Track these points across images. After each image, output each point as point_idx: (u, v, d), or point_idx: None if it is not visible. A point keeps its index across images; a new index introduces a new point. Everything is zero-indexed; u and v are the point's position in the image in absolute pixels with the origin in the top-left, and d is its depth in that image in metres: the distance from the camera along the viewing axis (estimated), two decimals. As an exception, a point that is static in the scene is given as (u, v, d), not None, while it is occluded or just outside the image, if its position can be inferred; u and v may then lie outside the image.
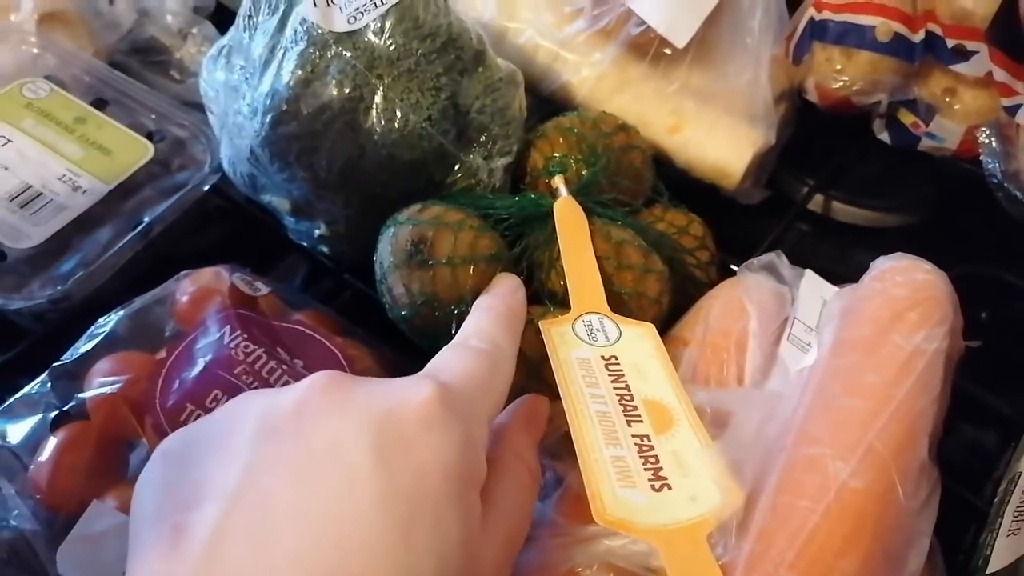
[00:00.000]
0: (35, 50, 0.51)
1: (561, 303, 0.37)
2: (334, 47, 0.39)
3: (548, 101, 0.53)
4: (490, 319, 0.31)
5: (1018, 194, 0.50)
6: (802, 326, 0.38)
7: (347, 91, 0.39)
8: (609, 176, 0.44)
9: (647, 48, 0.50)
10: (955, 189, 0.55)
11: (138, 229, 0.44)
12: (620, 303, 0.37)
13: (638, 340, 0.34)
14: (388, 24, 0.39)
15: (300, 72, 0.39)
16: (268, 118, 0.39)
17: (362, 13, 0.39)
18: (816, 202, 0.56)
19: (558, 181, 0.42)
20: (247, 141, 0.41)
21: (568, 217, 0.39)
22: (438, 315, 0.35)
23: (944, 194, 0.56)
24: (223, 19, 0.61)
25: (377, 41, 0.39)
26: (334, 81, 0.39)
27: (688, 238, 0.45)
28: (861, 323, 0.34)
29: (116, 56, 0.59)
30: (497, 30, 0.53)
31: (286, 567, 0.22)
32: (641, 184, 0.46)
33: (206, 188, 0.47)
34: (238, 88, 0.41)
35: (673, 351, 0.37)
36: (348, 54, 0.39)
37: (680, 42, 0.47)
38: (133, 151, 0.47)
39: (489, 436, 0.27)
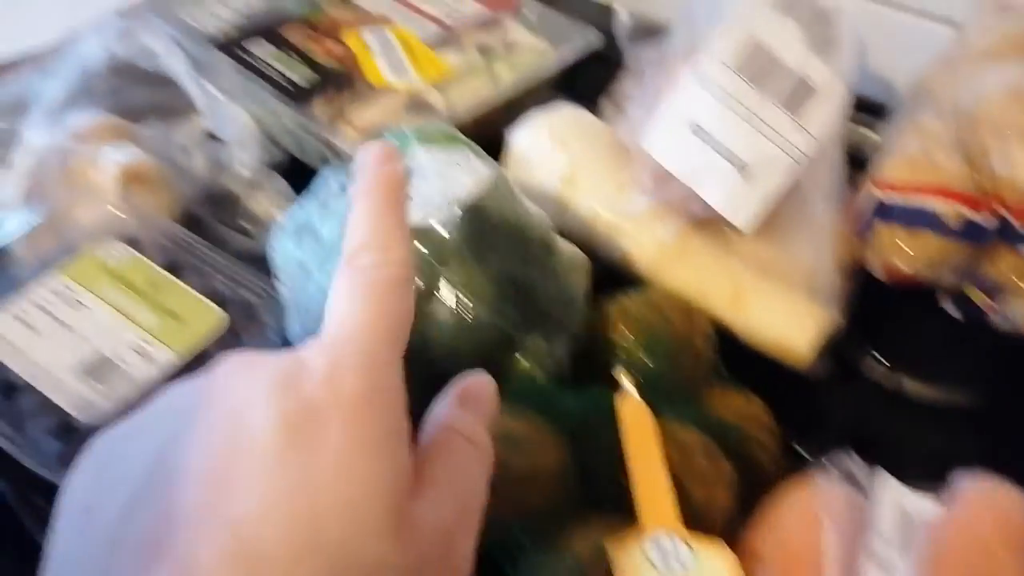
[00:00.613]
0: (114, 211, 0.52)
1: (627, 511, 0.36)
2: (408, 240, 0.40)
3: (608, 269, 0.53)
4: (373, 215, 0.27)
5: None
6: (881, 540, 0.37)
7: (421, 283, 0.39)
8: (673, 364, 0.43)
9: (710, 223, 0.50)
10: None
11: (205, 402, 0.44)
12: (688, 514, 0.36)
13: (713, 566, 0.33)
14: (459, 218, 0.40)
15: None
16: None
17: (434, 208, 0.40)
18: (882, 373, 0.55)
19: (623, 377, 0.41)
20: (317, 324, 0.41)
21: (635, 419, 0.39)
22: (497, 534, 0.34)
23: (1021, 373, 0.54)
24: (295, 171, 0.63)
25: (448, 235, 0.40)
26: (407, 275, 0.39)
27: (752, 424, 0.44)
28: (949, 563, 0.32)
29: (191, 206, 0.61)
30: (558, 199, 0.54)
31: (183, 539, 0.21)
32: (705, 370, 0.45)
33: (273, 357, 0.47)
34: (309, 269, 0.42)
35: (747, 567, 0.35)
36: (419, 247, 0.39)
37: (745, 227, 0.47)
38: (206, 319, 0.47)
39: (426, 421, 0.27)
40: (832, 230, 0.49)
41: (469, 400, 0.30)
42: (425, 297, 0.39)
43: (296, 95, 0.55)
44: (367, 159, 0.29)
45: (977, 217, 0.49)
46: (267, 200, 0.63)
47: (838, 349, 0.54)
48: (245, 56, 0.57)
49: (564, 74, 0.73)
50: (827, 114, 0.45)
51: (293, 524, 0.22)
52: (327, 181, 0.43)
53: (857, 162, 0.61)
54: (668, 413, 0.41)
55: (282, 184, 0.62)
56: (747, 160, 0.46)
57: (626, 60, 0.66)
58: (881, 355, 0.55)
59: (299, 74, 0.56)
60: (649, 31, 0.69)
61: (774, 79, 0.45)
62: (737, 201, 0.47)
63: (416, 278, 0.39)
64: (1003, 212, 0.49)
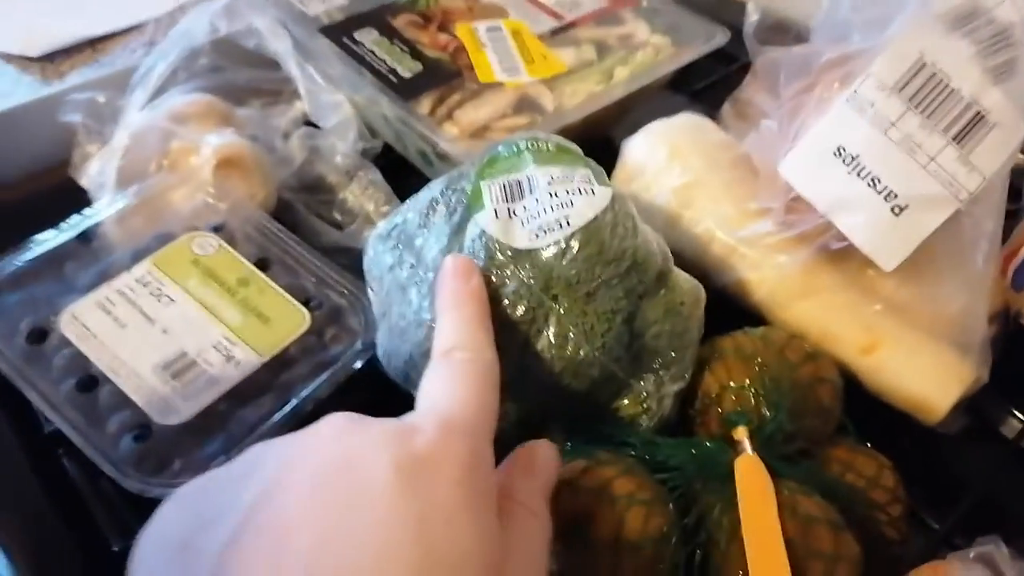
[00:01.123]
0: (209, 199, 0.51)
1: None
2: (512, 264, 0.36)
3: (720, 297, 0.48)
4: (464, 323, 0.32)
5: None
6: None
7: (520, 313, 0.36)
8: (794, 418, 0.38)
9: (845, 257, 0.45)
10: None
11: (286, 408, 0.42)
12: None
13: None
14: (572, 246, 0.36)
15: (474, 286, 0.36)
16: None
17: (545, 232, 0.36)
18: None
19: (741, 434, 0.36)
20: (409, 347, 0.38)
21: (752, 482, 0.34)
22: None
23: None
24: (390, 162, 0.60)
25: (558, 263, 0.36)
26: (507, 301, 0.36)
27: (879, 491, 0.39)
28: None
29: (284, 192, 0.59)
30: (671, 215, 0.50)
31: (296, 570, 0.22)
32: (828, 424, 0.41)
33: (358, 365, 0.44)
34: (406, 288, 0.39)
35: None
36: (525, 274, 0.36)
37: (889, 265, 0.42)
38: (291, 320, 0.45)
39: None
40: (990, 276, 0.43)
41: (530, 468, 0.30)
42: (529, 328, 0.36)
43: (400, 87, 0.52)
44: (449, 271, 0.34)
45: None
46: (361, 191, 0.60)
47: (976, 405, 0.48)
48: (349, 43, 0.54)
49: (684, 70, 0.68)
50: (1000, 150, 0.39)
51: (407, 571, 0.22)
52: (432, 194, 0.40)
53: (1012, 190, 0.54)
54: (787, 475, 0.36)
55: (377, 176, 0.60)
56: (900, 194, 0.40)
57: (753, 62, 0.61)
58: (1023, 414, 0.48)
59: (405, 66, 0.53)
60: (782, 29, 0.64)
61: (943, 107, 0.39)
62: (883, 238, 0.41)
63: (521, 304, 0.36)
64: None
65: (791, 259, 0.46)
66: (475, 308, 0.33)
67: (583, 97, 0.55)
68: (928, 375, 0.43)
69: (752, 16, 0.63)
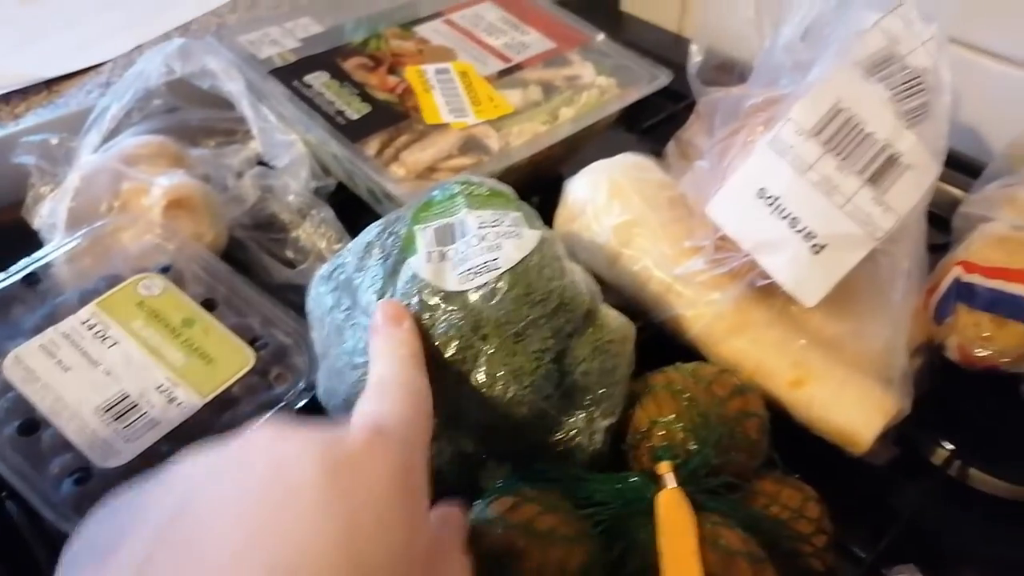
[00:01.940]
0: (158, 240, 0.51)
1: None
2: (443, 306, 0.37)
3: (656, 334, 0.50)
4: (397, 362, 0.33)
5: None
6: None
7: (452, 353, 0.37)
8: (720, 451, 0.39)
9: (775, 295, 0.46)
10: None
11: (226, 448, 0.42)
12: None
13: None
14: (500, 288, 0.37)
15: (405, 329, 0.37)
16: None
17: (474, 274, 0.37)
18: (952, 466, 0.50)
19: (665, 468, 0.38)
20: (345, 387, 0.39)
21: (673, 516, 0.35)
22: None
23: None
24: (343, 200, 0.61)
25: (487, 305, 0.37)
26: (439, 342, 0.37)
27: (803, 522, 0.40)
28: None
29: (237, 231, 0.59)
30: (611, 253, 0.51)
31: (220, 570, 0.22)
32: (755, 457, 0.42)
33: (301, 404, 0.45)
34: (342, 330, 0.40)
35: None
36: (456, 315, 0.37)
37: (810, 302, 0.43)
38: (235, 360, 0.46)
39: None
40: (909, 312, 0.45)
41: (447, 519, 0.31)
42: (461, 367, 0.37)
43: (348, 129, 0.53)
44: (381, 318, 0.36)
45: (1074, 309, 0.44)
46: (314, 229, 0.61)
47: (905, 436, 0.50)
48: (300, 86, 0.56)
49: (635, 108, 0.70)
50: (914, 190, 0.41)
51: (334, 570, 0.22)
52: (368, 238, 0.41)
53: (941, 223, 0.56)
54: (711, 508, 0.37)
55: (329, 214, 0.61)
56: (819, 234, 0.42)
57: (697, 102, 0.63)
58: (950, 443, 0.50)
59: (353, 107, 0.55)
60: (727, 69, 0.65)
61: (858, 150, 0.41)
62: (804, 276, 0.43)
63: (452, 345, 0.37)
64: (1104, 304, 0.44)
65: (723, 296, 0.47)
66: (407, 350, 0.34)
67: (529, 137, 0.56)
68: (853, 408, 0.45)
69: (695, 57, 0.65)
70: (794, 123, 0.42)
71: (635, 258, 0.50)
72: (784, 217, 0.42)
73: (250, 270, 0.58)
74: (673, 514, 0.35)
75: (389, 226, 0.41)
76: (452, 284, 0.37)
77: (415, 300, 0.37)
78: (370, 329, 0.36)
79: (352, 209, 0.61)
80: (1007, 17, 0.68)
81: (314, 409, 0.46)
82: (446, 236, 0.39)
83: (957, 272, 0.46)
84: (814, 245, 0.42)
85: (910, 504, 0.48)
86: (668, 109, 0.76)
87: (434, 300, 0.37)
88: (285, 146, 0.61)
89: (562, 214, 0.54)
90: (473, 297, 0.37)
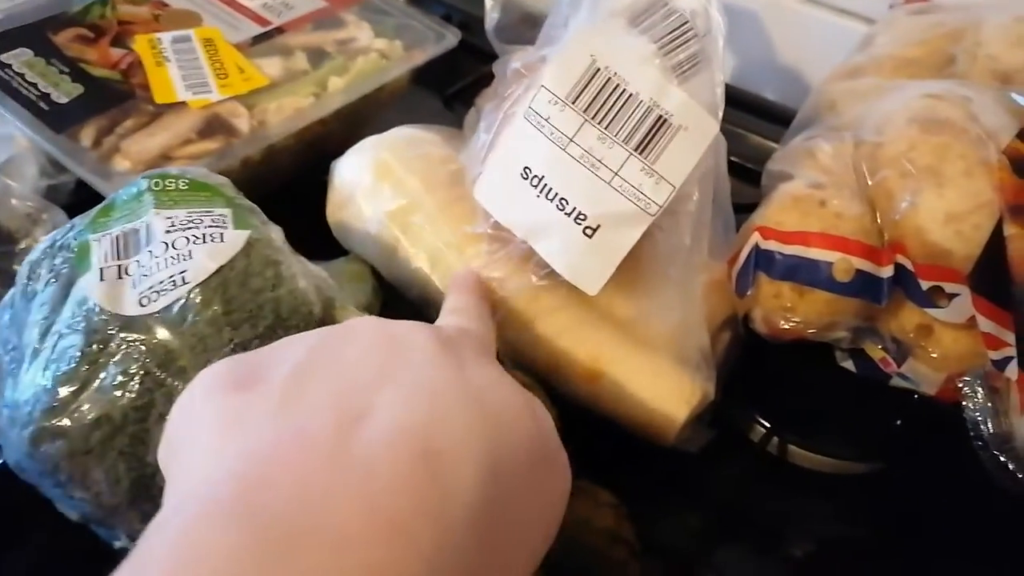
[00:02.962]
0: None
1: None
2: (120, 336, 0.30)
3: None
4: (472, 299, 0.37)
5: (1008, 462, 0.41)
6: None
7: (132, 397, 0.29)
8: None
9: (561, 282, 0.41)
10: (933, 429, 0.46)
11: None
12: None
13: None
14: (192, 307, 0.30)
15: (71, 372, 0.29)
16: (28, 433, 0.30)
17: (158, 293, 0.30)
18: (770, 443, 0.47)
19: None
20: (12, 451, 0.31)
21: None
22: None
23: (920, 434, 0.47)
24: (83, 200, 0.52)
25: (175, 331, 0.30)
26: (115, 386, 0.29)
27: (595, 535, 0.35)
28: None
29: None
30: (388, 244, 0.45)
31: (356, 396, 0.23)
32: None
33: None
34: (4, 376, 0.32)
35: None
36: (137, 347, 0.30)
37: (592, 290, 0.38)
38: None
39: None
40: (699, 288, 0.41)
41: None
42: (146, 412, 0.30)
43: (52, 116, 0.44)
44: (466, 282, 0.40)
45: (874, 270, 0.41)
46: (44, 236, 0.52)
47: (719, 415, 0.46)
48: (-6, 66, 0.46)
49: (441, 70, 0.63)
50: (689, 155, 0.36)
51: (462, 397, 0.24)
52: (33, 257, 0.33)
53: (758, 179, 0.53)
54: None
55: (61, 216, 0.52)
56: (590, 214, 0.37)
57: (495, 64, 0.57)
58: (766, 419, 0.47)
59: (62, 89, 0.46)
60: (531, 23, 0.60)
61: (620, 115, 0.36)
62: (581, 262, 0.38)
63: (132, 387, 0.30)
64: (905, 263, 0.41)
65: (514, 286, 0.42)
66: (480, 299, 0.38)
67: (289, 113, 0.49)
68: (653, 400, 0.40)
69: (492, 13, 0.58)
70: (547, 90, 0.36)
71: (416, 248, 0.44)
72: (551, 199, 0.37)
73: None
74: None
75: (61, 238, 0.33)
76: (131, 307, 0.30)
77: (83, 331, 0.30)
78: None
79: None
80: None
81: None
82: (128, 246, 0.32)
83: (755, 239, 0.42)
84: (587, 228, 0.37)
85: (729, 487, 0.45)
86: (478, 71, 0.69)
87: (109, 330, 0.30)
88: (1, 141, 0.51)
89: (333, 201, 0.47)
90: (158, 323, 0.30)
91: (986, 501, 0.40)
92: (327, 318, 0.34)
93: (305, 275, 0.34)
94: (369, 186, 0.45)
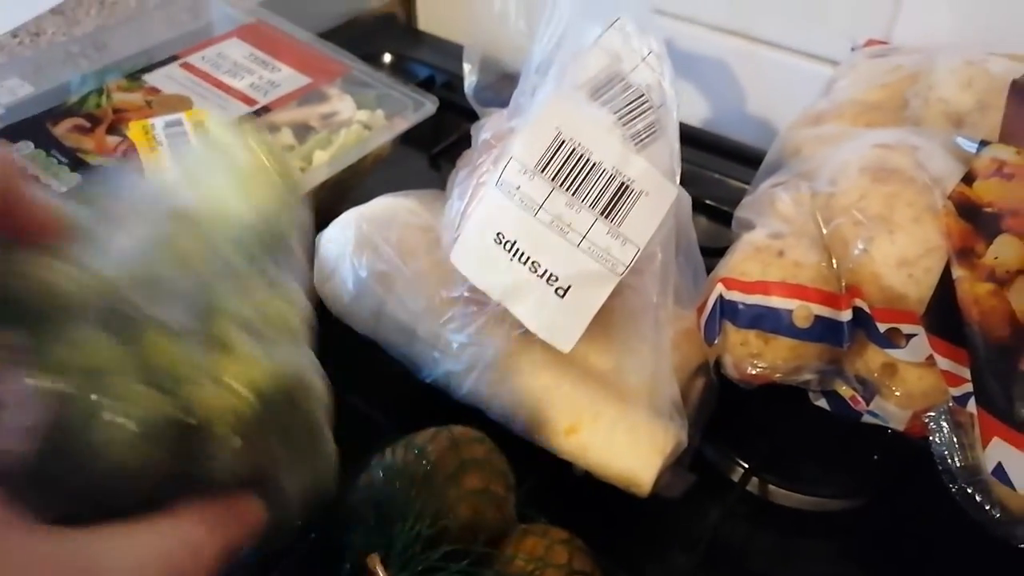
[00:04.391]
0: None
1: None
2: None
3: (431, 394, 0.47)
4: None
5: (975, 494, 0.43)
6: None
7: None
8: (435, 518, 0.36)
9: (536, 340, 0.43)
10: (911, 464, 0.48)
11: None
12: None
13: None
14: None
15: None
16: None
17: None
18: (750, 483, 0.49)
19: (373, 562, 0.34)
20: None
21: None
22: None
23: (898, 469, 0.49)
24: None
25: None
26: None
27: (552, 571, 0.37)
28: None
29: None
30: (370, 312, 0.47)
31: None
32: (494, 516, 0.38)
33: None
34: None
35: None
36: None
37: (566, 347, 0.41)
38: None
39: None
40: (667, 341, 0.43)
41: None
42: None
43: (53, 207, 0.47)
44: None
45: (833, 315, 0.43)
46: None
47: (699, 459, 0.48)
48: (-3, 161, 0.49)
49: (431, 131, 0.66)
50: (651, 218, 0.39)
51: None
52: None
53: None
54: None
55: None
56: (561, 276, 0.39)
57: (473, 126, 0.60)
58: (745, 460, 0.49)
59: (62, 180, 0.49)
60: (510, 83, 0.63)
61: (586, 182, 0.39)
62: (554, 320, 0.40)
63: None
64: (863, 307, 0.43)
65: (488, 347, 0.44)
66: None
67: (276, 188, 0.52)
68: (627, 451, 0.43)
69: (470, 76, 0.61)
70: (517, 161, 0.39)
71: (395, 316, 0.47)
72: (524, 262, 0.39)
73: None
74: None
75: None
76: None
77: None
78: None
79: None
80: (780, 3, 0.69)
81: None
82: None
83: (719, 290, 0.44)
84: (558, 288, 0.39)
85: (710, 527, 0.47)
86: (462, 129, 0.73)
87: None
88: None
89: (318, 272, 0.50)
90: None
91: (970, 534, 0.42)
92: None
93: None
94: (351, 258, 0.48)
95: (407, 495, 0.36)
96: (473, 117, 0.65)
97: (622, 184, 0.39)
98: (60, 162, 0.50)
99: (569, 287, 0.39)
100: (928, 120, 0.50)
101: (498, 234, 0.40)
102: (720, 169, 0.70)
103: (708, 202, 0.65)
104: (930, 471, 0.43)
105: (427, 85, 0.77)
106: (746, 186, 0.68)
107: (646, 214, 0.39)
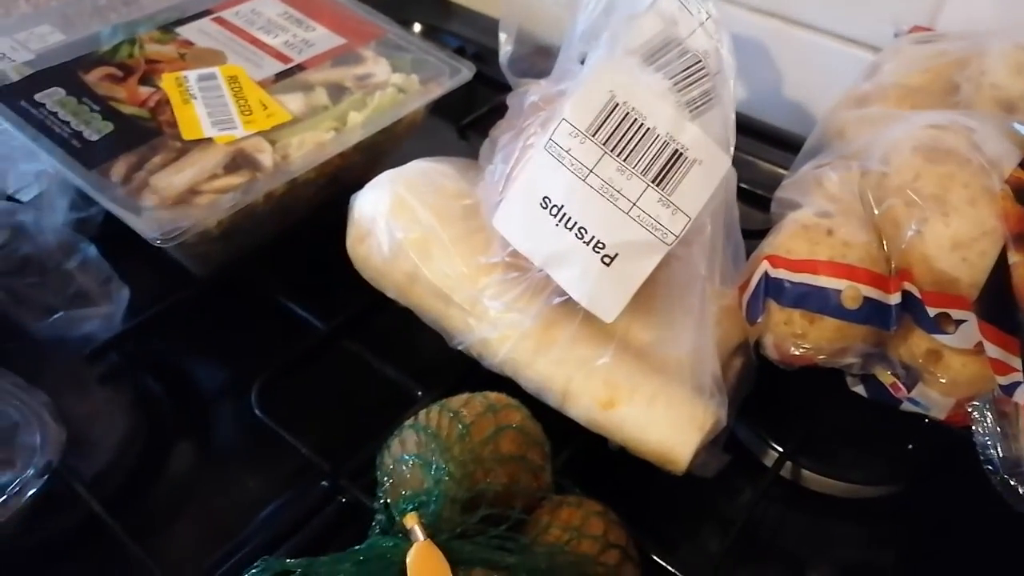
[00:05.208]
0: None
1: None
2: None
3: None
4: None
5: (1018, 486, 0.42)
6: None
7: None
8: (471, 483, 0.35)
9: (578, 309, 0.42)
10: (946, 452, 0.47)
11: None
12: None
13: None
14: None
15: None
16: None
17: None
18: (784, 467, 0.48)
19: (411, 520, 0.33)
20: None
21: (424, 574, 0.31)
22: None
23: (933, 457, 0.48)
24: (112, 232, 0.54)
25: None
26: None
27: (588, 542, 0.36)
28: None
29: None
30: (405, 276, 0.46)
31: None
32: (530, 480, 0.37)
33: (29, 495, 0.38)
34: None
35: None
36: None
37: (608, 317, 0.40)
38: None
39: None
40: (712, 315, 0.42)
41: None
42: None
43: (84, 153, 0.46)
44: None
45: (882, 297, 0.42)
46: (77, 270, 0.54)
47: (734, 440, 0.48)
48: (28, 106, 0.48)
49: (459, 103, 0.65)
50: (703, 188, 0.38)
51: None
52: None
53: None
54: (467, 552, 0.33)
55: (92, 251, 0.53)
56: (608, 243, 0.38)
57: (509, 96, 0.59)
58: (779, 444, 0.48)
59: (93, 127, 0.48)
60: (545, 55, 0.62)
61: (638, 148, 0.37)
62: (598, 289, 0.39)
63: None
64: (912, 290, 0.42)
65: (526, 315, 0.43)
66: None
67: (311, 148, 0.51)
68: (666, 427, 0.42)
69: (505, 47, 0.60)
70: (568, 123, 0.38)
71: (432, 279, 0.45)
72: (571, 228, 0.38)
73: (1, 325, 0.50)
74: (424, 570, 0.31)
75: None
76: None
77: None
78: None
79: (124, 244, 0.53)
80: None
81: (52, 496, 0.40)
82: None
83: (764, 267, 0.43)
84: (604, 256, 0.38)
85: (744, 509, 0.46)
86: (492, 101, 0.71)
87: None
88: (33, 176, 0.54)
89: (352, 234, 0.49)
90: None
91: (1005, 522, 0.41)
92: None
93: None
94: (386, 220, 0.47)
95: (443, 457, 0.35)
96: (503, 89, 0.63)
97: (675, 151, 0.38)
98: (92, 109, 0.49)
99: (616, 255, 0.38)
100: (979, 105, 0.49)
101: (545, 198, 0.39)
102: (755, 152, 0.69)
103: (743, 185, 0.64)
104: (965, 460, 0.42)
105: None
106: (780, 170, 0.68)
107: (698, 183, 0.38)
